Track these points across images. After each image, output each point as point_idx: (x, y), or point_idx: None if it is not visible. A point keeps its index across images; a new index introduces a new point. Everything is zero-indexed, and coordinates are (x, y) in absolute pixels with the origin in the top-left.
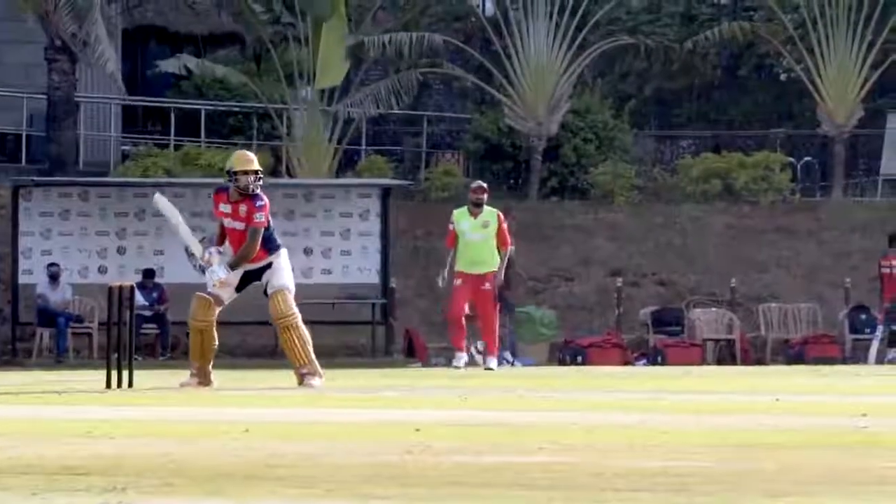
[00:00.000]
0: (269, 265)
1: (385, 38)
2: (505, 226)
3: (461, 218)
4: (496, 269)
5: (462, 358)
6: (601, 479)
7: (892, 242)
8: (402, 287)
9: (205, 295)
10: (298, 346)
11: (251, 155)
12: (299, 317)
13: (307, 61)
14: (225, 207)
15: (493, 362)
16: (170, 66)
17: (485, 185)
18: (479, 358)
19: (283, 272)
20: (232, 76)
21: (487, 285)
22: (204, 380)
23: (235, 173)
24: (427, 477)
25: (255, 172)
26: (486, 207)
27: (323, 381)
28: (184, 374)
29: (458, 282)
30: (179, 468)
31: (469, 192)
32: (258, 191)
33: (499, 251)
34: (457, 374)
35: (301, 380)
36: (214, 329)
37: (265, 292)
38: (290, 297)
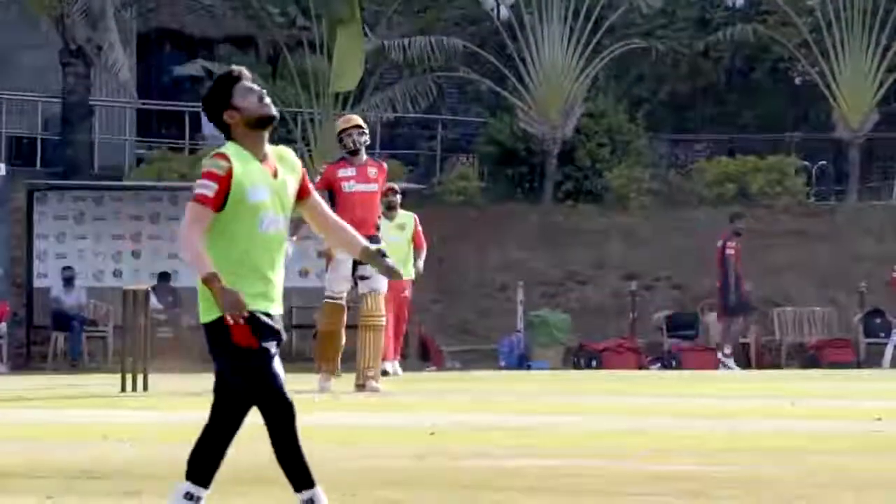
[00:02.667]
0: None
1: (405, 42)
2: (420, 228)
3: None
4: (412, 278)
5: (395, 364)
6: (615, 483)
7: None
8: (416, 291)
9: (332, 300)
10: (373, 349)
11: (348, 116)
12: (385, 321)
13: (322, 65)
14: (347, 171)
15: (389, 365)
16: (189, 69)
17: (397, 187)
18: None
19: None
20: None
21: (406, 292)
22: (337, 372)
23: (340, 136)
24: (441, 480)
25: (357, 127)
26: (400, 210)
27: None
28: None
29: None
30: None
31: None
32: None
33: (415, 251)
34: (398, 379)
35: (364, 382)
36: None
37: (356, 281)
38: (382, 299)
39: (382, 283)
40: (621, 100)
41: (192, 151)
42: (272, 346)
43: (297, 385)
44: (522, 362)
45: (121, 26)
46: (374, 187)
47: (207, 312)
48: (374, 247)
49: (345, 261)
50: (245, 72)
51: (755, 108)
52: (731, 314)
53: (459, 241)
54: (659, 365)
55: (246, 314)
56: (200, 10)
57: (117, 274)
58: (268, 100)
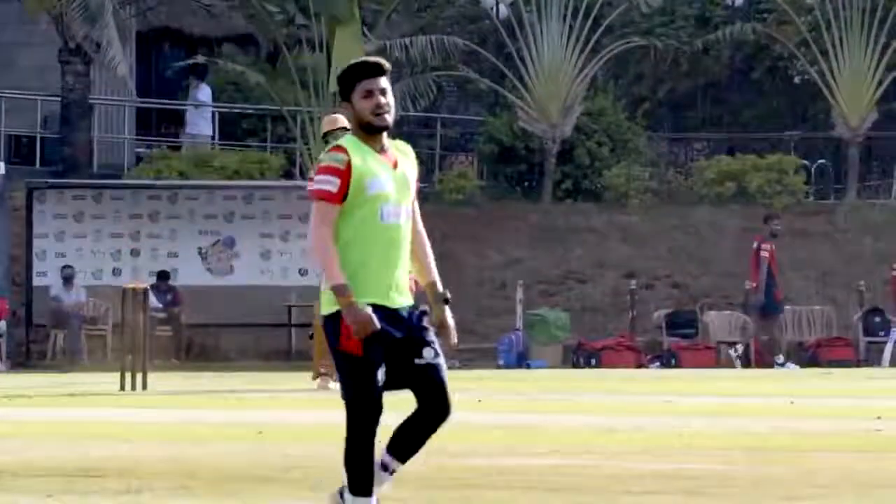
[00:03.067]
0: None
1: (406, 41)
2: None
3: None
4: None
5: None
6: (615, 482)
7: None
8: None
9: None
10: None
11: (333, 116)
12: None
13: (321, 63)
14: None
15: None
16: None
17: None
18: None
19: None
20: (251, 77)
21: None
22: (335, 375)
23: (326, 136)
24: (441, 479)
25: (344, 129)
26: None
27: None
28: (198, 376)
29: None
30: (194, 470)
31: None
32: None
33: None
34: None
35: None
36: None
37: None
38: None
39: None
40: (620, 98)
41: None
42: (378, 357)
43: (295, 384)
44: (521, 361)
45: (120, 25)
46: None
47: (327, 305)
48: (442, 291)
49: None
50: (381, 66)
51: (754, 107)
52: (765, 315)
53: (459, 239)
54: (658, 364)
55: (370, 334)
56: (200, 8)
57: (116, 272)
58: (384, 109)
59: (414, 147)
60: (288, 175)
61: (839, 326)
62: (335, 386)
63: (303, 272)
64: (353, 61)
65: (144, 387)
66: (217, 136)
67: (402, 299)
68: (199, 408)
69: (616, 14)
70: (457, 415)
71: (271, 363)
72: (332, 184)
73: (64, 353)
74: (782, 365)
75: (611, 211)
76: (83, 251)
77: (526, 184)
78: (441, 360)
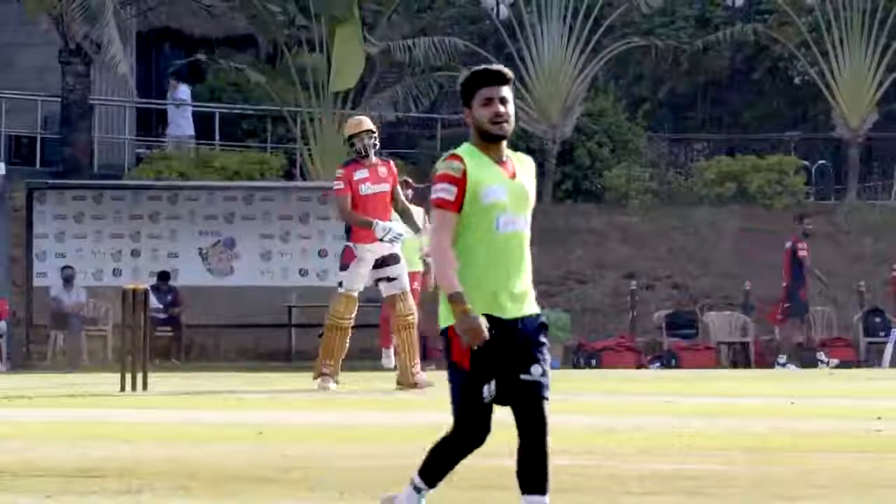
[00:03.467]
0: (396, 257)
1: (409, 43)
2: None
3: None
4: (420, 270)
5: (390, 353)
6: (615, 482)
7: None
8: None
9: (349, 292)
10: (412, 346)
11: (359, 118)
12: (416, 318)
13: (322, 64)
14: (361, 173)
15: (389, 361)
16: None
17: (410, 180)
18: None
19: (405, 270)
20: (252, 78)
21: (415, 284)
22: (336, 377)
23: (350, 139)
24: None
25: (368, 132)
26: (411, 205)
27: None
28: (198, 377)
29: None
30: (194, 471)
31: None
32: (374, 149)
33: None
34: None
35: (413, 379)
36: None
37: (376, 282)
38: (411, 295)
39: (407, 280)
40: (621, 99)
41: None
42: (485, 374)
43: (295, 384)
44: None
45: (120, 26)
46: (385, 187)
47: (444, 319)
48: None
49: (368, 260)
50: (503, 74)
51: (755, 108)
52: (794, 316)
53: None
54: (658, 364)
55: (481, 342)
56: (200, 9)
57: (117, 273)
58: (503, 118)
59: (414, 148)
60: (288, 176)
61: (839, 327)
62: (335, 387)
63: (303, 273)
64: (475, 68)
65: (145, 387)
66: (217, 137)
67: (522, 309)
68: (199, 408)
69: (616, 15)
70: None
71: (271, 364)
72: (449, 192)
73: (64, 354)
74: (783, 365)
75: (611, 212)
76: (83, 252)
77: None
78: (546, 380)
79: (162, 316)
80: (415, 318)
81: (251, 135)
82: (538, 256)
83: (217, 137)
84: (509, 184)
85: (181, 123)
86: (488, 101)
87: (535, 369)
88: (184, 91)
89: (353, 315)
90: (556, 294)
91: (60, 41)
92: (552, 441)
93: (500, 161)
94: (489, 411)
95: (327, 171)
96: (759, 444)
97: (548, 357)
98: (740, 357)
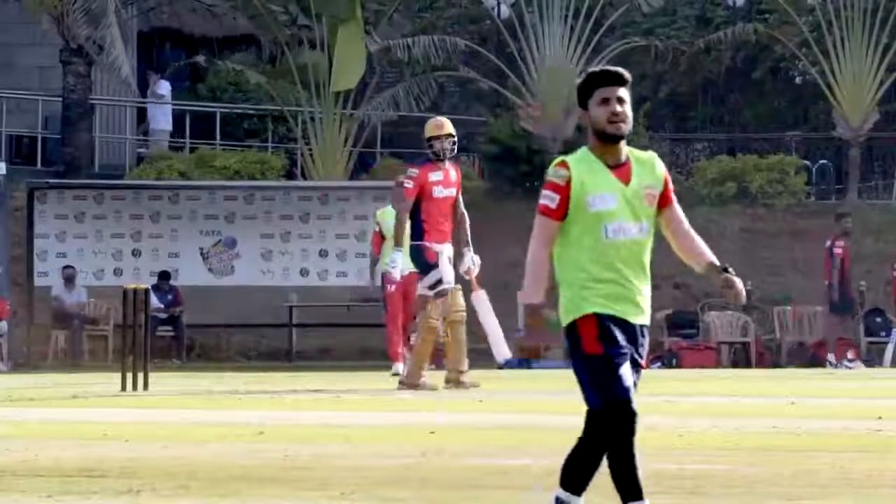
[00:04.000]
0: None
1: (409, 41)
2: None
3: (387, 217)
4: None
5: (400, 366)
6: None
7: None
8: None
9: (450, 287)
10: (460, 343)
11: (441, 120)
12: (465, 314)
13: (322, 64)
14: (437, 175)
15: (398, 368)
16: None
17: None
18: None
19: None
20: (252, 77)
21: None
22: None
23: (430, 140)
24: (442, 479)
25: (449, 136)
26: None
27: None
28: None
29: (391, 287)
30: (194, 471)
31: (394, 188)
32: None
33: None
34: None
35: (459, 377)
36: None
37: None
38: (459, 293)
39: (451, 277)
40: None
41: (192, 150)
42: (619, 355)
43: (296, 384)
44: (523, 361)
45: (121, 25)
46: (453, 192)
47: (565, 316)
48: (721, 264)
49: (445, 254)
50: (621, 75)
51: (755, 107)
52: (838, 313)
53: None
54: (659, 364)
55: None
56: (201, 9)
57: (117, 272)
58: (620, 118)
59: (415, 148)
60: (289, 175)
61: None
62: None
63: (303, 272)
64: (592, 69)
65: (145, 387)
66: (218, 137)
67: (639, 316)
68: (199, 408)
69: (617, 14)
70: (456, 416)
71: (272, 363)
72: (552, 200)
73: (65, 354)
74: (850, 366)
75: None
76: (84, 251)
77: (527, 184)
78: (635, 388)
79: (163, 316)
80: (464, 314)
81: (252, 134)
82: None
83: (218, 137)
84: (622, 191)
85: (159, 119)
86: (605, 101)
87: (635, 378)
88: (164, 87)
89: (464, 307)
90: (556, 294)
91: (61, 41)
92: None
93: (616, 165)
94: (632, 391)
95: (328, 170)
96: (759, 444)
97: (642, 363)
98: (741, 357)
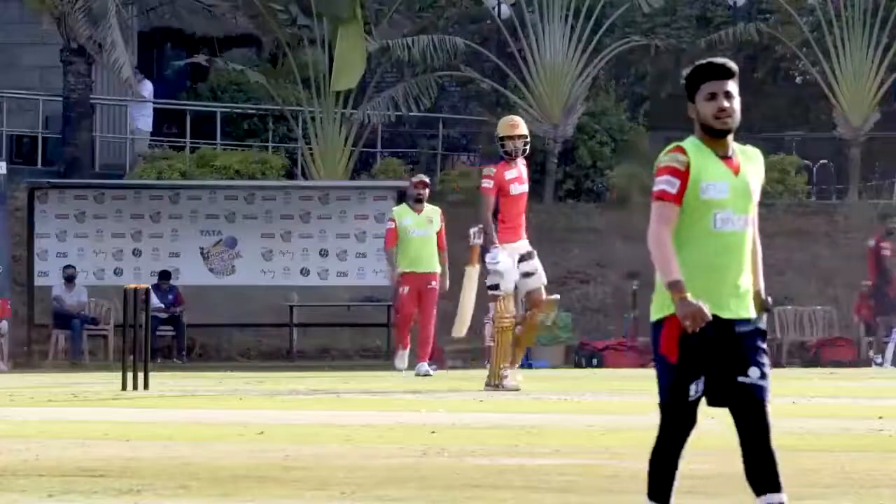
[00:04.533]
0: (533, 253)
1: (409, 41)
2: (443, 224)
3: (403, 214)
4: (439, 271)
5: (405, 356)
6: (615, 482)
7: None
8: None
9: (507, 293)
10: (503, 348)
11: (516, 120)
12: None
13: (323, 63)
14: (512, 173)
15: (424, 367)
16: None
17: (427, 179)
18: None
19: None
20: (253, 77)
21: (434, 283)
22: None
23: (502, 139)
24: (442, 479)
25: (522, 137)
26: (427, 205)
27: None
28: (199, 377)
29: (405, 289)
30: (195, 470)
31: (410, 187)
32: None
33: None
34: (433, 377)
35: (500, 381)
36: None
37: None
38: (511, 300)
39: (511, 282)
40: (622, 98)
41: (192, 150)
42: (695, 367)
43: (296, 384)
44: (523, 361)
45: (122, 25)
46: (526, 188)
47: (655, 311)
48: (764, 299)
49: (513, 258)
50: (729, 68)
51: (756, 107)
52: (883, 314)
53: (460, 240)
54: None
55: (703, 324)
56: (201, 8)
57: (118, 272)
58: (727, 113)
59: (415, 147)
60: (290, 175)
61: (840, 326)
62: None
63: (304, 272)
64: (699, 62)
65: (146, 387)
66: (219, 136)
67: (738, 310)
68: (199, 408)
69: (617, 14)
70: (456, 416)
71: (272, 363)
72: (671, 184)
73: (65, 353)
74: (881, 364)
75: (612, 211)
76: (85, 251)
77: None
78: (766, 383)
79: (163, 315)
80: (511, 321)
81: (252, 134)
82: (540, 256)
83: (218, 137)
84: (733, 180)
85: (138, 119)
86: (712, 96)
87: (753, 371)
88: (147, 88)
89: (513, 312)
90: (557, 293)
91: (62, 41)
92: (546, 440)
93: (724, 156)
94: (695, 406)
95: (328, 170)
96: None
97: (766, 361)
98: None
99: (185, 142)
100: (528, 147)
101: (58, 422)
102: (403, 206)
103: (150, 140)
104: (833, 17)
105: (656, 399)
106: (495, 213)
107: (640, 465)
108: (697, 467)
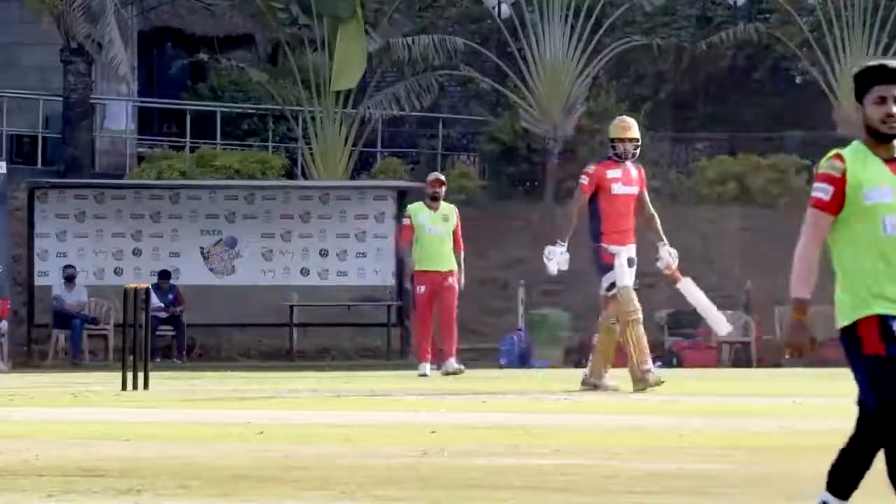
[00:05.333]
0: (633, 260)
1: (409, 40)
2: (459, 223)
3: (419, 212)
4: (456, 269)
5: (427, 367)
6: (616, 482)
7: None
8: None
9: (627, 288)
10: (638, 343)
11: (628, 122)
12: (640, 314)
13: (323, 63)
14: (615, 172)
15: (453, 364)
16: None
17: (443, 177)
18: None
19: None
20: (253, 77)
21: (451, 280)
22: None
23: (613, 141)
24: (442, 479)
25: (633, 140)
26: (443, 203)
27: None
28: (199, 376)
29: (421, 289)
30: (195, 470)
31: (426, 185)
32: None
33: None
34: (458, 378)
35: (643, 377)
36: None
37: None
38: (632, 293)
39: (627, 278)
40: (622, 98)
41: (192, 150)
42: None
43: (296, 384)
44: (523, 361)
45: (121, 25)
46: (635, 190)
47: (842, 317)
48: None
49: (623, 257)
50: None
51: (756, 107)
52: None
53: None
54: (659, 364)
55: (803, 354)
56: (201, 8)
57: (118, 272)
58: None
59: (415, 147)
60: (290, 175)
61: None
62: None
63: (304, 272)
64: (870, 63)
65: (146, 387)
66: (219, 136)
67: None
68: (200, 407)
69: (618, 14)
70: (456, 416)
71: (272, 363)
72: (825, 192)
73: (65, 353)
74: None
75: None
76: (85, 251)
77: (528, 184)
78: None
79: (163, 315)
80: (638, 314)
81: (252, 134)
82: (540, 256)
83: (218, 137)
84: None
85: (118, 117)
86: (881, 100)
87: None
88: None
89: (639, 307)
90: (557, 293)
91: (62, 40)
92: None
93: (889, 159)
94: None
95: (328, 170)
96: (759, 443)
97: None
98: (742, 357)
99: (185, 142)
100: (637, 150)
101: (58, 422)
102: (419, 203)
103: (151, 140)
104: (833, 17)
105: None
106: (596, 213)
107: (641, 465)
108: (697, 467)
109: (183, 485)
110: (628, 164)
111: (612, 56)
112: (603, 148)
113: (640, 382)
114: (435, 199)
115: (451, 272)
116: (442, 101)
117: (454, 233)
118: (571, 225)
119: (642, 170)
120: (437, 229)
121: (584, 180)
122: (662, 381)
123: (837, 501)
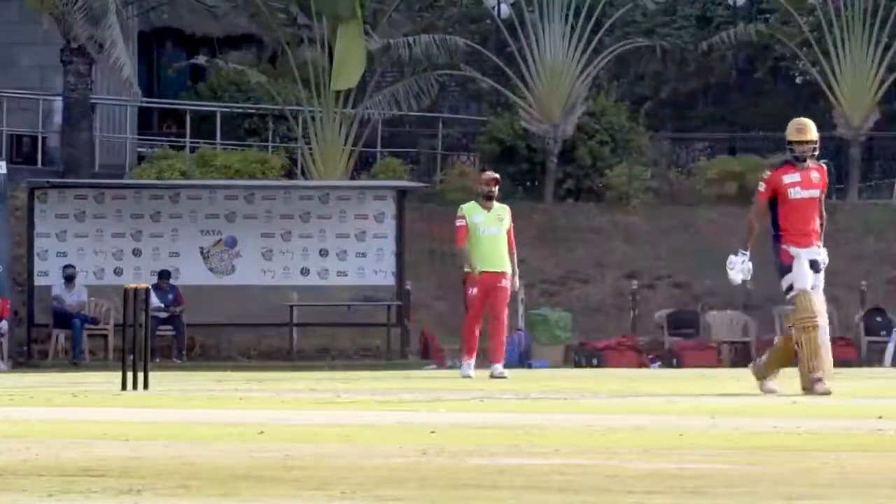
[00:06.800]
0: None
1: (409, 40)
2: (513, 224)
3: (473, 211)
4: (510, 269)
5: (472, 364)
6: (616, 482)
7: None
8: (417, 289)
9: (806, 291)
10: (810, 348)
11: (804, 124)
12: (818, 321)
13: (323, 63)
14: (793, 177)
15: (500, 369)
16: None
17: (497, 176)
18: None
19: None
20: (253, 77)
21: (504, 282)
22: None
23: (791, 143)
24: (442, 479)
25: (811, 143)
26: (496, 203)
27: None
28: (199, 376)
29: (473, 290)
30: (195, 470)
31: (480, 184)
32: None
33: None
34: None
35: (812, 384)
36: None
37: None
38: (812, 298)
39: (805, 281)
40: (622, 98)
41: (192, 150)
42: None
43: (297, 384)
44: (523, 360)
45: (122, 25)
46: (815, 192)
47: None
48: None
49: (804, 260)
50: None
51: (756, 107)
52: None
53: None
54: (659, 363)
55: None
56: (201, 8)
57: (118, 272)
58: None
59: (415, 147)
60: (290, 175)
61: (841, 326)
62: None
63: (304, 272)
64: None
65: (146, 387)
66: (219, 136)
67: None
68: (199, 407)
69: (618, 14)
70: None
71: (272, 363)
72: None
73: (65, 353)
74: None
75: (612, 211)
76: (85, 251)
77: (528, 183)
78: None
79: (163, 315)
80: (816, 320)
81: (252, 134)
82: (540, 255)
83: (218, 136)
84: None
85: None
86: None
87: None
88: None
89: (817, 312)
90: (557, 293)
91: (62, 40)
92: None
93: None
94: None
95: (328, 170)
96: (759, 443)
97: None
98: (741, 356)
99: (185, 142)
100: (816, 152)
101: (57, 422)
102: (472, 203)
103: (151, 140)
104: (833, 17)
105: (651, 398)
106: (777, 217)
107: (641, 465)
108: (698, 467)
109: (183, 485)
110: (810, 165)
111: (612, 56)
112: (602, 147)
113: (806, 390)
114: (489, 198)
115: (504, 273)
116: (442, 101)
117: (508, 233)
118: (753, 233)
119: (824, 170)
120: (492, 230)
121: (761, 187)
122: (829, 392)
123: None
